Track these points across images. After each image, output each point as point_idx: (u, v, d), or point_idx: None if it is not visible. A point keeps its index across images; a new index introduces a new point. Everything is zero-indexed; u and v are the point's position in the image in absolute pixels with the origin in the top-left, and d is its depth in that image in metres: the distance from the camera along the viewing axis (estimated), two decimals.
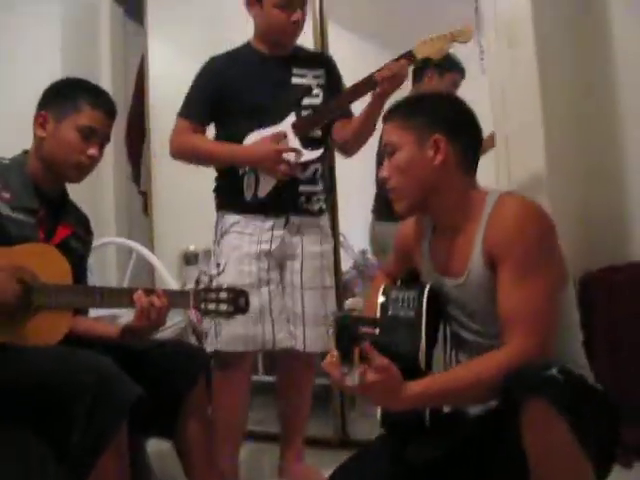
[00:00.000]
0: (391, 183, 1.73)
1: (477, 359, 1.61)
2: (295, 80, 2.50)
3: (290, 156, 2.38)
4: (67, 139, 1.97)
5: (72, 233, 2.06)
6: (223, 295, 2.01)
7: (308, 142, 2.43)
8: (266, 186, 2.42)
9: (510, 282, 1.56)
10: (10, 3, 3.51)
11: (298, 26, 2.46)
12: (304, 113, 2.47)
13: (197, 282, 2.80)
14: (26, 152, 2.05)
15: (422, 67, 3.26)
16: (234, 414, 2.48)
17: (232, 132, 2.48)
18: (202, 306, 2.00)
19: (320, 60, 2.62)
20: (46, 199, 2.01)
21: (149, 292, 1.93)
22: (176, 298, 2.01)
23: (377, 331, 1.54)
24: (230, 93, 2.46)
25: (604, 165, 2.87)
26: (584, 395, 1.41)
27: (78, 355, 1.75)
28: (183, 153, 2.54)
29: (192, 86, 2.53)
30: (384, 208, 3.33)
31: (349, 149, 2.56)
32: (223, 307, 2.01)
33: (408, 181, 1.70)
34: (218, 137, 2.54)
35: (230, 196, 2.50)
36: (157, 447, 2.32)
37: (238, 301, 2.02)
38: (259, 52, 2.54)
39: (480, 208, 1.66)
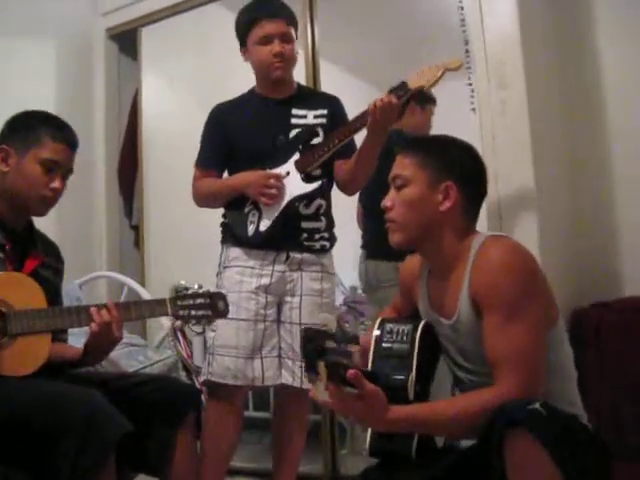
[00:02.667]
0: (392, 214, 1.75)
1: (464, 395, 1.62)
2: (294, 121, 2.52)
3: (278, 183, 2.41)
4: (30, 173, 1.97)
5: (41, 263, 2.05)
6: (200, 300, 2.02)
7: (311, 179, 2.45)
8: (267, 220, 2.44)
9: (494, 326, 1.57)
10: (5, 37, 3.54)
11: (282, 59, 2.48)
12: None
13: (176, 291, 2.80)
14: None
15: (403, 103, 3.30)
16: (221, 445, 2.46)
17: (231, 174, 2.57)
18: (180, 313, 2.00)
19: (323, 100, 2.62)
20: (12, 233, 2.00)
21: (101, 307, 1.93)
22: (154, 307, 2.01)
23: (344, 347, 1.55)
24: (233, 139, 2.53)
25: (594, 202, 2.89)
26: (568, 428, 1.41)
27: (68, 389, 1.74)
28: (199, 199, 2.62)
29: (201, 135, 2.62)
30: (377, 247, 3.35)
31: (348, 188, 2.58)
32: (202, 312, 2.01)
33: (411, 217, 1.72)
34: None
35: (234, 230, 2.52)
36: None
37: (217, 305, 2.03)
38: (260, 96, 2.58)
39: (468, 251, 1.68)
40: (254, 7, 2.53)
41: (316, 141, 2.49)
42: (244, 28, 2.51)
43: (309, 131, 2.50)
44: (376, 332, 1.77)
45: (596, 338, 2.58)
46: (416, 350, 1.68)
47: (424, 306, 1.83)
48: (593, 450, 1.49)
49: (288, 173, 2.43)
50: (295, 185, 2.43)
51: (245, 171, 2.48)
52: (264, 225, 2.45)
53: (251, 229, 2.46)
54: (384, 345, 1.73)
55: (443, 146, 1.80)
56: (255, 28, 2.47)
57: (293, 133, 2.50)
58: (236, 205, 2.52)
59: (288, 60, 2.51)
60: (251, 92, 2.62)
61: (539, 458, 1.34)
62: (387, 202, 1.76)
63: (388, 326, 1.76)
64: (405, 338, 1.71)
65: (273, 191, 2.40)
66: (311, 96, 2.66)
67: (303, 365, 1.50)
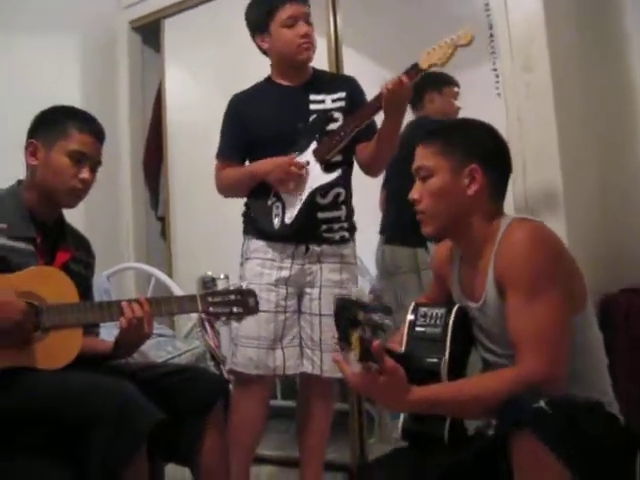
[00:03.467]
0: (421, 206, 1.74)
1: (486, 375, 1.62)
2: (313, 106, 2.51)
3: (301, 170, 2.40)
4: (58, 165, 1.99)
5: (72, 257, 2.07)
6: (231, 297, 2.02)
7: (330, 167, 2.44)
8: (292, 212, 2.44)
9: (515, 306, 1.57)
10: (30, 32, 3.57)
11: (309, 40, 2.48)
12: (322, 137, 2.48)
13: (203, 281, 2.82)
14: (20, 182, 2.07)
15: (420, 92, 3.27)
16: (246, 434, 2.49)
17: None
18: (211, 309, 2.01)
19: (341, 83, 2.61)
20: (43, 226, 2.02)
21: (132, 302, 1.94)
22: (184, 303, 2.02)
23: (378, 317, 1.54)
24: (252, 128, 2.52)
25: (622, 186, 2.85)
26: (575, 423, 1.38)
27: (100, 380, 1.76)
28: (223, 189, 2.63)
29: (221, 126, 2.62)
30: (393, 232, 3.35)
31: (371, 170, 2.57)
32: (232, 309, 2.02)
33: (439, 206, 1.72)
34: None
35: (256, 222, 2.53)
36: (175, 474, 2.32)
37: (247, 302, 2.04)
38: (276, 84, 2.58)
39: (496, 233, 1.68)
40: None
41: (333, 126, 2.48)
42: (264, 14, 2.49)
43: (325, 118, 2.49)
44: (410, 317, 1.77)
45: (625, 323, 2.56)
46: (449, 334, 1.69)
47: (456, 291, 1.84)
48: (613, 440, 1.47)
49: (308, 163, 2.43)
50: (315, 175, 2.43)
51: (263, 157, 2.48)
52: (289, 217, 2.44)
53: (277, 222, 2.46)
54: (417, 329, 1.74)
55: (461, 130, 1.80)
56: (279, 12, 2.45)
57: (312, 119, 2.50)
58: (259, 196, 2.52)
59: (314, 41, 2.51)
60: (267, 80, 2.61)
61: (544, 458, 1.33)
62: (415, 194, 1.75)
63: (422, 310, 1.77)
64: (439, 322, 1.72)
65: (296, 177, 2.40)
66: (327, 80, 2.64)
67: (336, 334, 1.49)
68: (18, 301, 1.79)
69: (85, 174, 2.02)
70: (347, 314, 1.49)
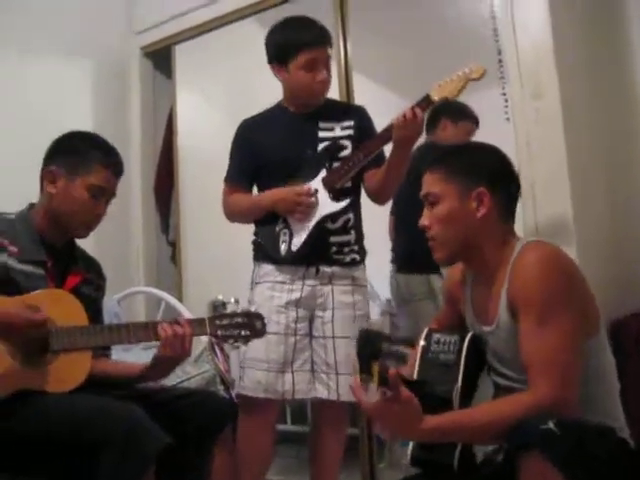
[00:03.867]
0: (431, 233, 1.74)
1: (497, 401, 1.62)
2: (322, 134, 2.52)
3: (310, 200, 2.41)
4: (78, 198, 2.00)
5: (82, 279, 2.08)
6: (238, 320, 2.03)
7: (339, 194, 2.45)
8: (299, 239, 2.45)
9: (528, 330, 1.57)
10: (43, 56, 3.62)
11: (324, 85, 2.49)
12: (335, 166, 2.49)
13: (213, 305, 2.84)
14: (32, 205, 2.08)
15: (435, 117, 3.28)
16: (254, 459, 2.47)
17: (261, 191, 2.59)
18: (219, 332, 2.02)
19: (350, 112, 2.62)
20: (53, 250, 2.03)
21: (172, 322, 1.96)
22: (192, 326, 2.01)
23: (400, 347, 1.54)
24: (261, 153, 2.53)
25: (631, 208, 2.85)
26: (583, 445, 1.37)
27: (108, 403, 1.76)
28: (229, 215, 2.65)
29: (230, 151, 2.64)
30: (405, 261, 3.35)
31: (379, 198, 2.57)
32: (240, 332, 2.03)
33: (450, 232, 1.72)
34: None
35: (266, 249, 2.53)
36: None
37: (254, 324, 2.05)
38: (287, 110, 2.58)
39: (509, 256, 1.67)
40: (299, 29, 2.48)
41: (343, 154, 2.49)
42: (286, 50, 2.46)
43: (335, 146, 2.50)
44: (422, 342, 1.76)
45: (636, 347, 2.54)
46: (463, 361, 1.68)
47: (469, 314, 1.83)
48: (623, 464, 1.46)
49: (317, 191, 2.43)
50: (323, 204, 2.44)
51: (273, 187, 2.49)
52: (295, 245, 2.45)
53: (283, 248, 2.47)
54: (430, 355, 1.72)
55: (466, 154, 1.80)
56: (301, 53, 2.43)
57: (321, 147, 2.51)
58: (267, 223, 2.53)
59: (329, 85, 2.52)
60: (278, 106, 2.62)
61: (553, 479, 1.32)
62: (424, 221, 1.76)
63: (435, 336, 1.75)
64: (452, 348, 1.71)
65: (304, 207, 2.41)
66: (337, 108, 2.65)
67: (357, 366, 1.49)
68: (24, 309, 1.79)
69: (101, 209, 2.04)
70: (370, 346, 1.49)
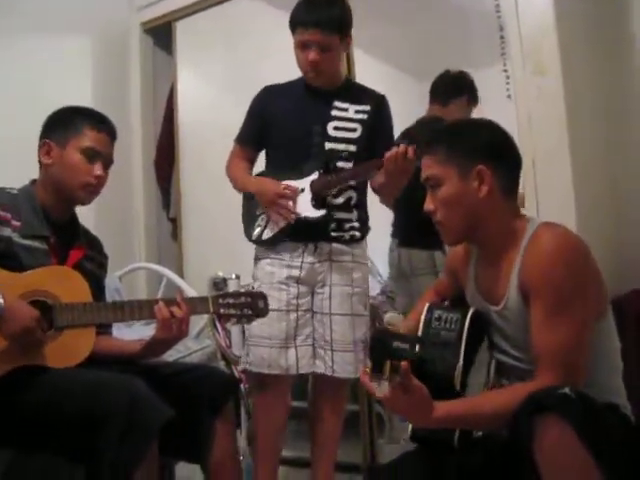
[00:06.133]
0: (437, 216, 1.73)
1: (505, 390, 1.63)
2: (335, 112, 2.52)
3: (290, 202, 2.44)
4: (72, 162, 2.01)
5: (85, 255, 2.09)
6: (242, 299, 2.04)
7: (322, 203, 2.46)
8: (270, 231, 2.51)
9: (541, 320, 1.56)
10: (43, 33, 3.59)
11: (313, 66, 2.46)
12: (335, 144, 2.49)
13: (214, 282, 2.86)
14: (34, 181, 2.09)
15: (456, 90, 3.25)
16: (270, 436, 2.52)
17: (269, 160, 2.63)
18: (221, 311, 2.03)
19: (369, 97, 2.59)
20: (56, 225, 2.04)
21: (170, 303, 1.96)
22: (195, 304, 2.03)
23: (409, 347, 1.55)
24: (270, 122, 2.56)
25: (632, 188, 2.85)
26: (598, 411, 1.40)
27: (110, 377, 1.78)
28: (228, 175, 2.69)
29: (247, 112, 2.66)
30: (410, 235, 3.33)
31: (382, 200, 2.66)
32: (243, 311, 2.04)
33: (455, 214, 1.70)
34: (266, 163, 2.65)
35: (243, 224, 2.62)
36: (185, 472, 2.33)
37: (257, 304, 2.06)
38: (307, 85, 2.57)
39: (520, 237, 1.66)
40: (305, 8, 2.46)
41: (341, 165, 2.48)
42: (290, 26, 2.48)
43: (337, 155, 2.50)
44: (425, 317, 1.75)
45: (637, 324, 2.54)
46: (464, 340, 1.68)
47: (470, 290, 1.83)
48: (628, 439, 1.47)
49: (303, 190, 2.46)
50: (304, 205, 2.45)
51: (276, 164, 2.54)
52: (267, 234, 2.51)
53: (256, 232, 2.54)
54: (432, 332, 1.72)
55: (462, 133, 1.77)
56: (296, 32, 2.45)
57: (331, 125, 2.51)
58: (251, 201, 2.58)
59: (322, 71, 2.48)
60: (301, 79, 2.59)
61: (571, 443, 1.33)
62: (429, 206, 1.73)
63: (436, 312, 1.75)
64: (453, 326, 1.70)
65: (283, 211, 2.43)
66: (357, 91, 2.63)
67: (369, 366, 1.51)
68: (28, 307, 1.80)
69: (99, 171, 2.04)
70: (383, 347, 1.50)
